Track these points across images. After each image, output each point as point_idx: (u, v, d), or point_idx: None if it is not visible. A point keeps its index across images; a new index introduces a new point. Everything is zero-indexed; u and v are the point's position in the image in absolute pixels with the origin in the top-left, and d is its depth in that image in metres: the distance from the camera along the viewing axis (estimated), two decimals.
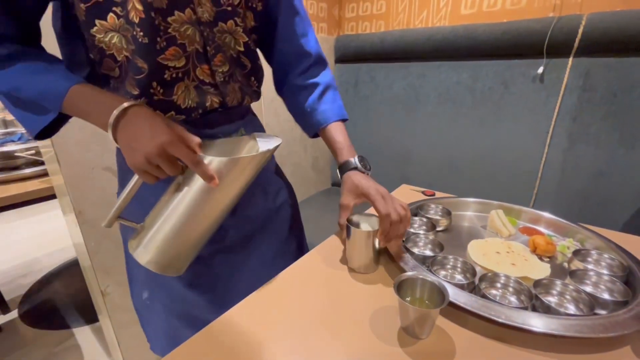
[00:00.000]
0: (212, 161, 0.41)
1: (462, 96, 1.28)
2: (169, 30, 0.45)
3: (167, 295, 0.61)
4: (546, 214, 0.71)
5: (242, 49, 0.54)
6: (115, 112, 0.40)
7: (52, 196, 1.17)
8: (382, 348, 0.42)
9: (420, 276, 0.45)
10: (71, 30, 0.46)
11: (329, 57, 1.63)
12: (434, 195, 0.89)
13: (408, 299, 0.45)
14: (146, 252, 0.44)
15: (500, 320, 0.42)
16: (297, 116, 0.68)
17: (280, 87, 0.69)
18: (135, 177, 0.42)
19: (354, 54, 1.55)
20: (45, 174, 1.23)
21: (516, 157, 1.19)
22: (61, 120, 0.48)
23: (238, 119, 0.59)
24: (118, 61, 0.46)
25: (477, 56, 1.22)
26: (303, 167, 1.67)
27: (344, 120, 0.65)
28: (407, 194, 0.94)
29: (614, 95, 0.98)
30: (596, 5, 1.02)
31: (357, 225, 0.59)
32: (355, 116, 1.64)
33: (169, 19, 0.44)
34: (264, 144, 0.52)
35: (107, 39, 0.44)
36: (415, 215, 0.73)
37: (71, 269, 1.87)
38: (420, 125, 1.43)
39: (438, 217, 0.71)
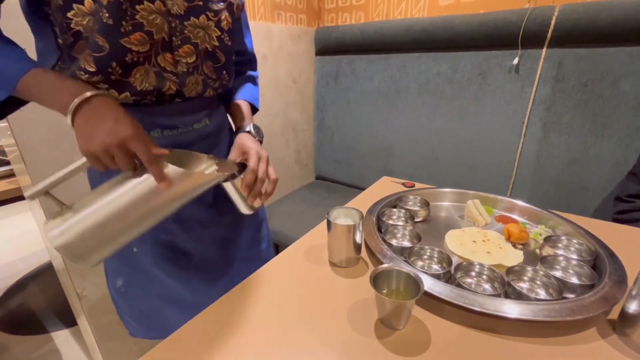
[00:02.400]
0: (167, 167, 0.41)
1: (442, 87, 1.29)
2: (137, 16, 0.45)
3: (145, 277, 0.62)
4: (519, 202, 0.73)
5: (216, 43, 0.55)
6: (80, 98, 0.40)
7: (22, 197, 1.12)
8: (359, 340, 0.42)
9: (396, 268, 0.45)
10: (40, 15, 0.45)
11: (309, 49, 1.61)
12: (413, 186, 0.90)
13: (384, 291, 0.45)
14: (63, 236, 0.40)
15: (474, 308, 0.43)
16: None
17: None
18: (83, 160, 0.41)
19: (335, 46, 1.54)
20: (12, 174, 1.18)
21: (494, 147, 1.21)
22: (14, 102, 0.46)
23: (200, 110, 0.60)
24: (88, 41, 0.45)
25: (455, 47, 1.23)
26: (286, 162, 1.66)
27: (253, 108, 0.70)
28: (387, 185, 0.95)
29: (585, 85, 1.01)
30: None
31: (337, 219, 0.59)
32: (336, 108, 1.63)
33: (137, 7, 0.45)
34: (221, 168, 0.52)
35: (85, 22, 0.43)
36: (394, 207, 0.74)
37: (47, 271, 1.81)
38: (401, 116, 1.43)
39: (417, 209, 0.72)
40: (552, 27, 1.01)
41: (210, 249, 0.65)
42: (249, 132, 0.63)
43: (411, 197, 0.75)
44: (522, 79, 1.11)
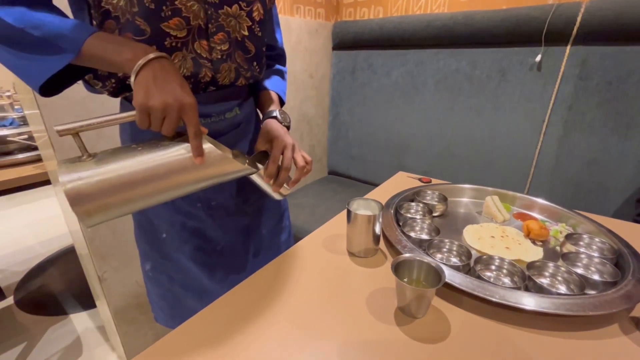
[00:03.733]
0: (206, 144, 0.43)
1: (460, 84, 1.28)
2: (176, 2, 0.47)
3: (172, 266, 0.64)
4: (540, 200, 0.72)
5: (246, 33, 0.56)
6: (152, 54, 0.41)
7: (47, 182, 1.16)
8: (380, 326, 0.43)
9: (417, 258, 0.46)
10: None
11: (327, 44, 1.61)
12: (430, 182, 0.90)
13: (405, 280, 0.46)
14: (78, 182, 0.38)
15: (494, 299, 0.43)
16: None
17: None
18: (131, 113, 0.41)
19: (352, 41, 1.54)
20: (39, 160, 1.22)
21: (512, 145, 1.20)
22: (68, 76, 0.47)
23: (232, 99, 0.61)
24: (120, 23, 0.46)
25: (475, 44, 1.21)
26: None
27: (280, 100, 0.70)
28: (403, 181, 0.95)
29: (609, 83, 0.99)
30: None
31: (357, 210, 0.60)
32: (352, 104, 1.63)
33: None
34: (249, 162, 0.54)
35: (115, 2, 0.45)
36: (412, 201, 0.74)
37: (67, 255, 1.87)
38: (417, 113, 1.43)
39: (434, 203, 0.72)
40: (577, 24, 0.99)
41: (235, 237, 0.66)
42: (275, 117, 0.63)
43: (429, 191, 0.75)
44: (544, 76, 1.09)
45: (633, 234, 0.59)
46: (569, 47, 1.03)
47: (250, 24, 0.56)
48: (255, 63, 0.60)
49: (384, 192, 0.81)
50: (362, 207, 0.60)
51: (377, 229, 0.57)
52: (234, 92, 0.61)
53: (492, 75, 1.19)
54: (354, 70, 1.57)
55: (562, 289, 0.48)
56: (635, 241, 0.56)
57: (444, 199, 0.73)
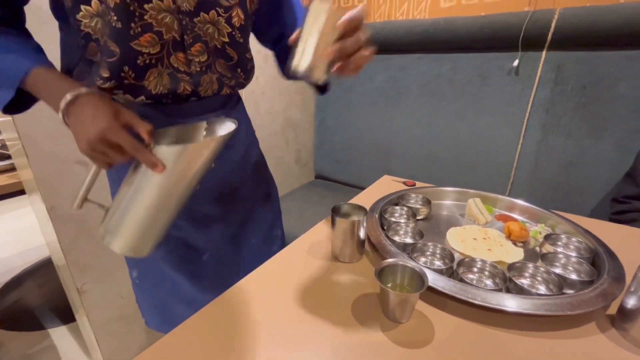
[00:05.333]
0: (157, 150, 0.41)
1: (442, 88, 1.30)
2: (145, 17, 0.44)
3: (157, 274, 0.63)
4: (520, 202, 0.74)
5: (226, 39, 0.53)
6: (67, 97, 0.40)
7: (22, 192, 1.12)
8: (364, 333, 0.43)
9: (401, 263, 0.46)
10: (61, 15, 0.46)
11: None
12: (414, 185, 0.91)
13: (389, 285, 0.46)
14: (109, 235, 0.45)
15: (476, 302, 0.43)
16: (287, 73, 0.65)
17: (278, 54, 0.68)
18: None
19: None
20: (12, 169, 1.17)
21: (493, 148, 1.23)
22: (30, 97, 0.46)
23: (217, 108, 0.59)
24: (100, 45, 0.45)
25: (456, 49, 1.24)
26: (286, 162, 1.66)
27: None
28: (388, 184, 0.96)
29: (583, 87, 1.03)
30: (569, 0, 1.06)
31: (341, 215, 0.60)
32: (337, 108, 1.64)
33: (146, 6, 0.44)
34: (220, 130, 0.51)
35: (93, 24, 0.44)
36: (396, 204, 0.75)
37: (45, 267, 1.80)
38: (401, 117, 1.44)
39: (418, 206, 0.73)
40: (552, 30, 1.02)
41: (222, 246, 0.65)
42: None
43: (413, 195, 0.76)
44: (522, 81, 1.12)
45: (608, 232, 0.61)
46: (544, 52, 1.07)
47: (230, 30, 0.53)
48: (239, 70, 0.58)
49: (369, 196, 0.82)
50: (347, 213, 0.60)
51: (362, 234, 0.57)
52: (220, 101, 0.59)
53: (472, 80, 1.22)
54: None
55: (542, 289, 0.49)
56: (611, 240, 0.58)
57: (427, 202, 0.73)
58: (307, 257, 0.60)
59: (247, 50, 0.60)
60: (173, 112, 0.54)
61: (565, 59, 1.05)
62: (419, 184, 0.92)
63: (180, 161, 0.42)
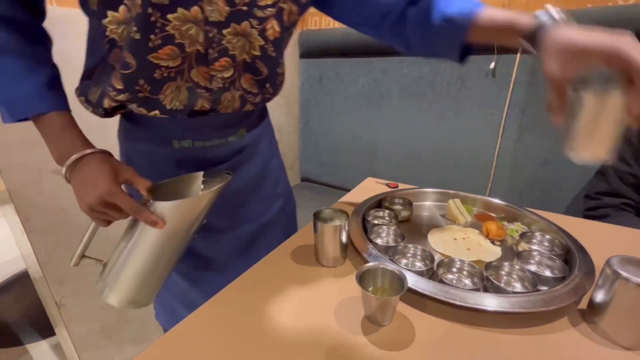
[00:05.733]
0: (156, 206, 0.43)
1: (423, 91, 1.33)
2: (167, 28, 0.41)
3: (168, 279, 0.62)
4: (496, 201, 0.76)
5: (257, 53, 0.48)
6: (73, 158, 0.41)
7: None
8: (346, 336, 0.43)
9: (381, 266, 0.46)
10: (88, 13, 0.44)
11: (294, 52, 1.62)
12: (397, 187, 0.92)
13: (370, 288, 0.47)
14: (107, 289, 0.46)
15: (455, 302, 0.44)
16: (429, 37, 0.54)
17: (400, 25, 0.54)
18: (92, 222, 0.45)
19: (318, 49, 1.56)
20: None
21: (473, 148, 1.26)
22: None
23: (237, 123, 0.56)
24: (123, 53, 0.44)
25: None
26: None
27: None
28: (372, 186, 0.97)
29: None
30: (540, 5, 1.09)
31: (324, 220, 0.60)
32: (321, 111, 1.65)
33: (170, 16, 0.40)
34: (215, 182, 0.52)
35: (119, 31, 0.41)
36: (379, 207, 0.76)
37: (21, 280, 1.73)
38: (384, 119, 1.46)
39: (400, 209, 0.74)
40: None
41: (230, 257, 0.64)
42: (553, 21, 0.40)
43: (395, 197, 0.77)
44: (499, 83, 1.16)
45: (580, 229, 0.64)
46: (518, 55, 1.10)
47: (263, 43, 0.48)
48: (267, 85, 0.53)
49: (353, 198, 0.82)
50: (329, 217, 0.60)
51: (344, 238, 0.57)
52: (240, 117, 0.55)
53: (452, 82, 1.25)
54: (322, 78, 1.59)
55: (518, 286, 0.51)
56: (583, 236, 0.60)
57: (409, 204, 0.75)
58: (291, 262, 0.60)
59: (279, 64, 0.54)
60: (188, 124, 0.52)
61: (538, 62, 1.08)
62: (401, 186, 0.93)
63: (177, 215, 0.44)
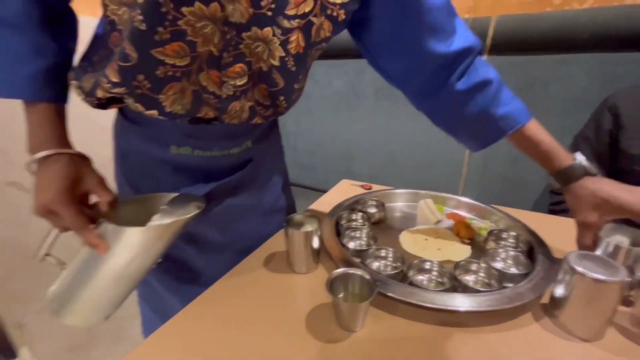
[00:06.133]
0: (104, 227, 0.40)
1: (397, 92, 1.33)
2: (179, 22, 0.36)
3: (145, 287, 0.61)
4: (465, 199, 0.78)
5: (277, 63, 0.44)
6: (36, 156, 0.39)
7: None
8: (317, 344, 0.43)
9: (350, 271, 0.46)
10: None
11: None
12: (371, 188, 0.93)
13: (341, 294, 0.47)
14: (54, 302, 0.43)
15: (424, 304, 0.45)
16: (467, 124, 0.56)
17: (428, 97, 0.57)
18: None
19: None
20: None
21: (446, 147, 1.29)
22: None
23: (243, 135, 0.53)
24: (123, 37, 0.40)
25: None
26: None
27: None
28: (347, 189, 0.97)
29: (520, 89, 1.11)
30: (504, 8, 1.14)
31: (295, 226, 0.59)
32: (297, 114, 1.64)
33: (184, 10, 0.36)
34: (185, 210, 0.47)
35: (120, 12, 0.37)
36: (352, 210, 0.76)
37: None
38: (360, 120, 1.47)
39: (373, 211, 0.74)
40: (490, 36, 1.10)
41: (223, 273, 0.61)
42: (587, 172, 0.47)
43: (368, 199, 0.78)
44: None
45: (544, 224, 0.66)
46: (485, 56, 1.14)
47: (284, 54, 0.43)
48: (282, 98, 0.49)
49: (328, 201, 0.82)
50: (300, 223, 0.60)
51: (316, 244, 0.57)
52: (247, 129, 0.52)
53: None
54: None
55: (485, 284, 0.52)
56: (546, 231, 0.63)
57: (381, 206, 0.75)
58: (263, 270, 0.59)
59: (298, 81, 0.50)
60: (189, 130, 0.48)
61: (504, 63, 1.12)
62: (376, 187, 0.94)
63: (124, 243, 0.40)
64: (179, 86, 0.41)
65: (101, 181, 0.42)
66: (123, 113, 0.51)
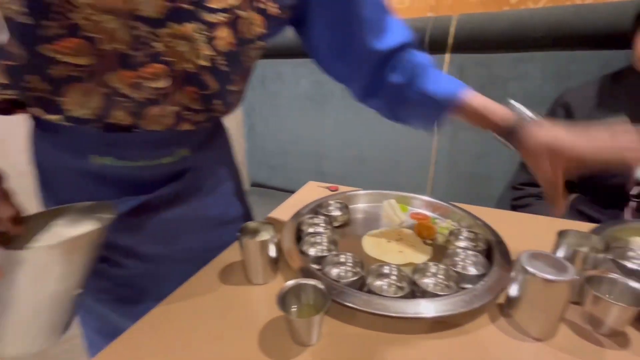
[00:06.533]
0: None
1: None
2: (71, 15, 0.31)
3: (84, 310, 0.55)
4: (428, 198, 0.77)
5: (206, 63, 0.39)
6: None
7: None
8: None
9: (302, 282, 0.44)
10: None
11: None
12: (337, 190, 0.91)
13: (294, 308, 0.44)
14: None
15: (379, 312, 0.43)
16: (412, 111, 0.57)
17: (371, 95, 0.59)
18: None
19: None
20: None
21: (413, 146, 1.30)
22: None
23: (175, 143, 0.47)
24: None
25: None
26: None
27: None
28: (314, 191, 0.95)
29: (482, 87, 1.13)
30: (465, 7, 1.15)
31: (250, 235, 0.56)
32: (265, 114, 1.60)
33: (77, 1, 0.31)
34: (92, 224, 0.41)
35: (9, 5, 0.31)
36: (316, 213, 0.74)
37: None
38: (329, 120, 1.46)
39: (337, 213, 0.73)
40: (451, 35, 1.11)
41: (174, 283, 0.55)
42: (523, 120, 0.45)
43: (331, 202, 0.76)
44: None
45: (505, 221, 0.67)
46: (448, 55, 1.15)
47: (213, 53, 0.39)
48: (216, 102, 0.44)
49: (294, 204, 0.80)
50: (256, 231, 0.57)
51: (272, 253, 0.54)
52: (178, 136, 0.46)
53: None
54: (264, 80, 1.54)
55: (444, 287, 0.51)
56: (506, 228, 0.63)
57: (345, 208, 0.74)
58: (218, 283, 0.56)
59: (231, 82, 0.45)
60: (106, 138, 0.42)
61: (466, 61, 1.14)
62: (343, 188, 0.92)
63: (23, 266, 0.34)
64: (83, 87, 0.36)
65: (4, 195, 0.36)
66: (37, 120, 0.45)
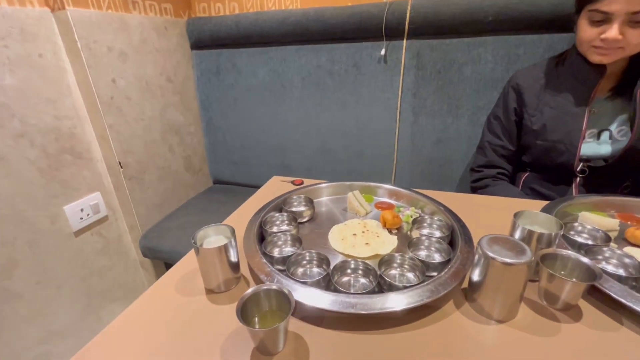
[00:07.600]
0: None
1: (324, 79, 1.30)
2: None
3: None
4: (391, 187, 0.77)
5: None
6: None
7: None
8: None
9: (263, 288, 0.41)
10: None
11: (183, 43, 1.44)
12: (302, 184, 0.89)
13: (256, 317, 0.41)
14: None
15: (346, 311, 0.42)
16: None
17: None
18: None
19: (210, 39, 1.41)
20: None
21: (376, 134, 1.29)
22: None
23: None
24: None
25: (330, 40, 1.25)
26: (173, 171, 1.48)
27: None
28: (278, 186, 0.91)
29: (439, 72, 1.15)
30: None
31: (206, 241, 0.52)
32: (223, 107, 1.52)
33: None
34: None
35: None
36: (280, 210, 0.71)
37: None
38: (290, 111, 1.41)
39: (301, 209, 0.70)
40: (407, 20, 1.10)
41: None
42: None
43: (295, 197, 0.73)
44: (391, 68, 1.20)
45: (466, 204, 0.68)
46: (405, 40, 1.15)
47: None
48: None
49: (258, 201, 0.76)
50: (213, 235, 0.53)
51: (233, 257, 0.51)
52: None
53: (349, 70, 1.25)
54: (219, 71, 1.46)
55: (410, 277, 0.51)
56: (467, 211, 0.64)
57: (310, 203, 0.71)
58: (175, 294, 0.52)
59: None
60: None
61: (423, 47, 1.14)
62: (308, 181, 0.90)
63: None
64: None
65: None
66: None
